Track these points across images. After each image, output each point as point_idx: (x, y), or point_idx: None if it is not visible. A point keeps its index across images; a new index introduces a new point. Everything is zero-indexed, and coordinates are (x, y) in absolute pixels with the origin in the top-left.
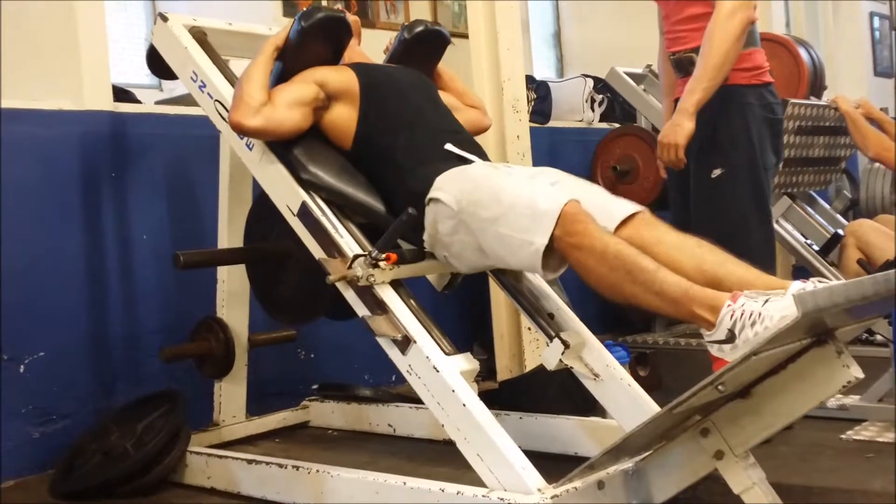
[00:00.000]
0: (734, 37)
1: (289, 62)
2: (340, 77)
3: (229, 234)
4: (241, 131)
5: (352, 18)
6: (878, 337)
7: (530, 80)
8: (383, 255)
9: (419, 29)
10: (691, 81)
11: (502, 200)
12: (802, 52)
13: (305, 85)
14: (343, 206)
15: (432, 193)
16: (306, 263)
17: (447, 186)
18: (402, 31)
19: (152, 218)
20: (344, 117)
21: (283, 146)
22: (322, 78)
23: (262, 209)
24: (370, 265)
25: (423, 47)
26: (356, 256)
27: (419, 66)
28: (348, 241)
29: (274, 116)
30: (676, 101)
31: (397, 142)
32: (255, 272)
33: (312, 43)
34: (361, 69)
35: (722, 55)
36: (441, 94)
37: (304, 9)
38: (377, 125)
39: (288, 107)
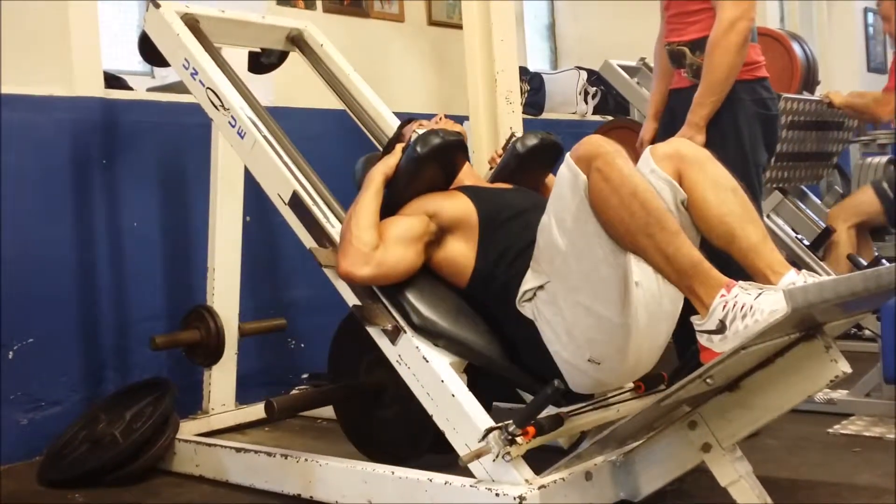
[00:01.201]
0: (737, 48)
1: (399, 191)
2: (455, 206)
3: (220, 222)
4: (353, 281)
5: (465, 135)
6: (867, 332)
7: (524, 71)
8: (520, 431)
9: (533, 143)
10: (698, 95)
11: (552, 228)
12: (796, 47)
13: (417, 218)
14: (461, 355)
15: (523, 293)
16: (403, 395)
17: (528, 277)
18: (512, 144)
19: (143, 205)
20: (460, 252)
21: (391, 287)
22: (435, 208)
23: (346, 340)
24: (506, 441)
25: (537, 161)
26: (490, 429)
27: (529, 179)
28: (476, 412)
29: (386, 261)
30: (672, 91)
31: (522, 278)
32: (345, 410)
33: (426, 170)
34: (476, 195)
35: (726, 68)
36: None
37: (417, 130)
38: (498, 260)
39: (401, 245)
